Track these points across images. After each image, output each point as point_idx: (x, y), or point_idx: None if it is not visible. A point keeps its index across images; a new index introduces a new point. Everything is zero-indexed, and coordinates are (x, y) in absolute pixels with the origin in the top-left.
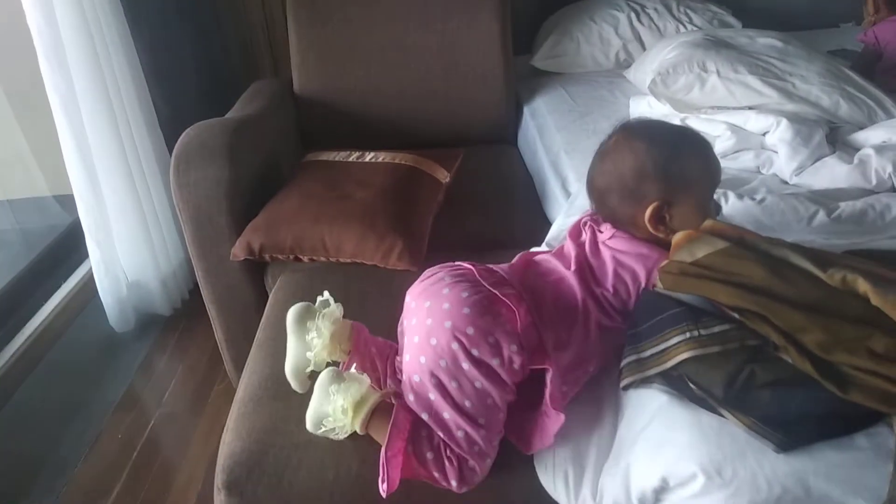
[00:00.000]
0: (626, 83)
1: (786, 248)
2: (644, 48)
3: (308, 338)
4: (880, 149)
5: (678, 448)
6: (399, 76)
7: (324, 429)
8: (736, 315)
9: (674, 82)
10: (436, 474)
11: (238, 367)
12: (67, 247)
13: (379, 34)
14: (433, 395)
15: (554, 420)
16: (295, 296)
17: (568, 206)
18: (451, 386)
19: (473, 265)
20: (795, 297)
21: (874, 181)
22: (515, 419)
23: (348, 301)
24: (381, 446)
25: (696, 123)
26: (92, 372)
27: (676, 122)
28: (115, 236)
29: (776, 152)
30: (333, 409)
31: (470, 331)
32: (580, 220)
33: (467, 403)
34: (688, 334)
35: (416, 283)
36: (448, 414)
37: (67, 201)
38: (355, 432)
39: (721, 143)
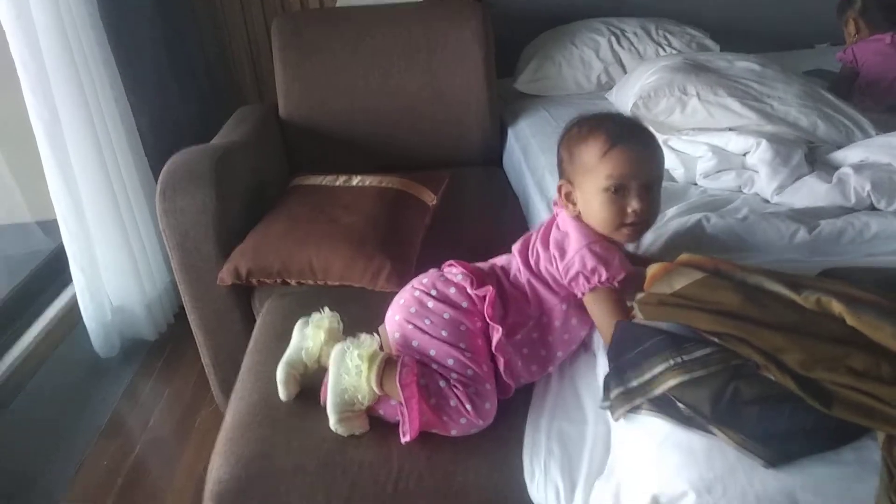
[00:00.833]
0: (607, 105)
1: (760, 274)
2: (625, 71)
3: (307, 331)
4: (858, 167)
5: (669, 467)
6: (384, 102)
7: (345, 402)
8: (716, 339)
9: (655, 105)
10: (452, 403)
11: (225, 392)
12: (51, 272)
13: (364, 63)
14: (416, 341)
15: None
16: (283, 319)
17: None
18: (426, 324)
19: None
20: (772, 320)
21: (853, 199)
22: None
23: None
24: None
25: (679, 145)
26: (76, 398)
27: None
28: (99, 262)
29: (757, 172)
30: (351, 367)
31: (425, 279)
32: None
33: (444, 333)
34: (671, 361)
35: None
36: (434, 349)
37: (51, 227)
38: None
39: (703, 163)
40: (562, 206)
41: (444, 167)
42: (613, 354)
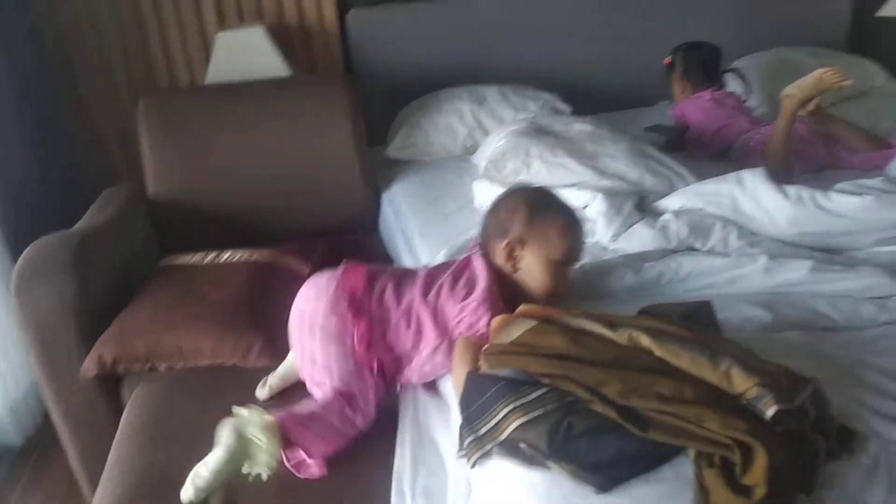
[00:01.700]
0: (473, 167)
1: (582, 317)
2: (486, 134)
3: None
4: (677, 214)
5: None
6: (256, 174)
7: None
8: (546, 380)
9: (504, 167)
10: (335, 421)
11: None
12: None
13: (233, 136)
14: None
15: None
16: (152, 406)
17: None
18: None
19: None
20: (593, 357)
21: (674, 242)
22: None
23: (208, 406)
24: None
25: None
26: None
27: None
28: None
29: (595, 223)
30: (255, 447)
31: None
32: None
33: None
34: (512, 405)
35: None
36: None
37: None
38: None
39: None
40: (499, 260)
41: (322, 234)
42: (464, 405)
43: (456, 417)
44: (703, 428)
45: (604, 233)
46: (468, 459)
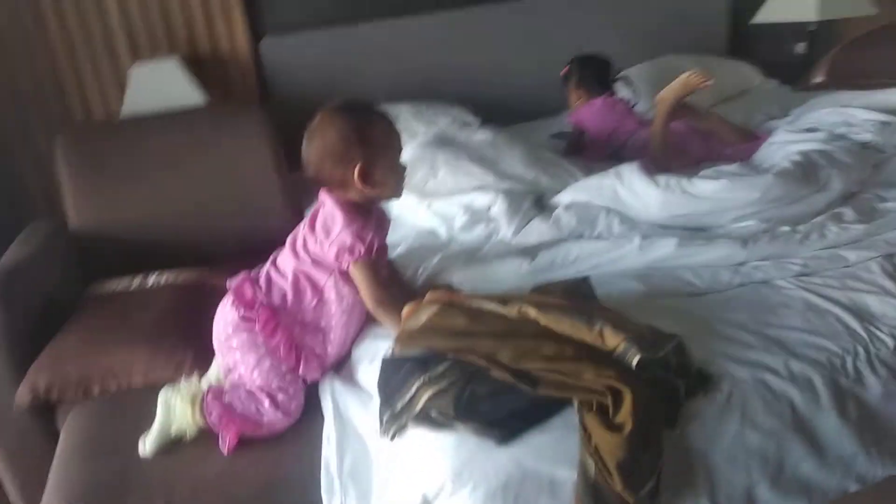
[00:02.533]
0: None
1: (480, 299)
2: None
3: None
4: (567, 207)
5: (430, 466)
6: (178, 200)
7: (170, 440)
8: (450, 355)
9: (414, 176)
10: (256, 408)
11: None
12: None
13: (153, 167)
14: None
15: None
16: (88, 427)
17: None
18: (234, 345)
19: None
20: (488, 331)
21: (566, 232)
22: None
23: (144, 423)
24: None
25: (438, 206)
26: None
27: (423, 208)
28: None
29: (498, 221)
30: (178, 413)
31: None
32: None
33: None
34: (421, 379)
35: None
36: (242, 366)
37: None
38: None
39: (458, 219)
40: (355, 188)
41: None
42: (381, 387)
43: (374, 405)
44: (582, 380)
45: (506, 229)
46: (388, 434)
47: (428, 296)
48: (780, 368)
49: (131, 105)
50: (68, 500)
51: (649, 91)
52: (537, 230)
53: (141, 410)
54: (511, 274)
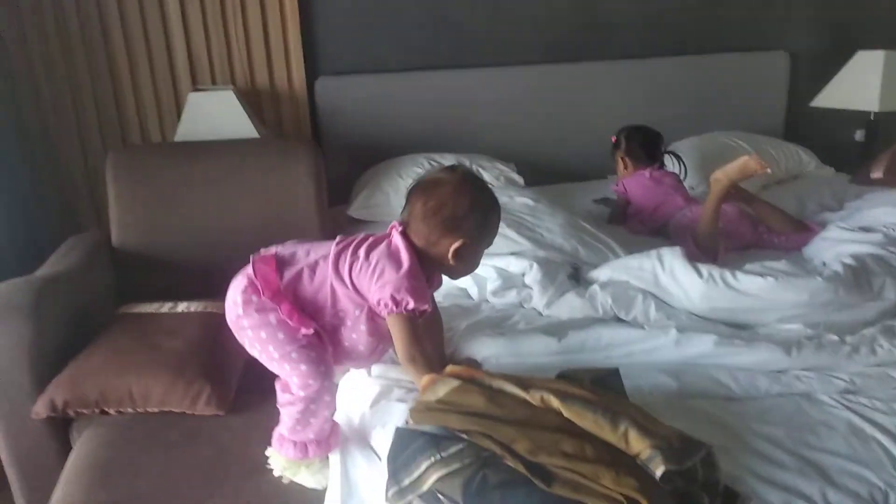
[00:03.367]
0: None
1: (501, 379)
2: None
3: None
4: (604, 285)
5: None
6: (218, 229)
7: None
8: (465, 436)
9: None
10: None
11: None
12: None
13: (198, 190)
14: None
15: None
16: (98, 449)
17: None
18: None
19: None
20: (507, 416)
21: (601, 311)
22: None
23: (153, 453)
24: None
25: None
26: None
27: None
28: None
29: (532, 289)
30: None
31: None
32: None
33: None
34: (432, 459)
35: None
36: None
37: None
38: None
39: (491, 283)
40: (437, 252)
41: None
42: (391, 459)
43: (382, 469)
44: (599, 484)
45: (538, 300)
46: None
47: (448, 369)
48: (816, 497)
49: (185, 131)
50: None
51: (695, 167)
52: (570, 304)
53: (151, 440)
54: (539, 351)
